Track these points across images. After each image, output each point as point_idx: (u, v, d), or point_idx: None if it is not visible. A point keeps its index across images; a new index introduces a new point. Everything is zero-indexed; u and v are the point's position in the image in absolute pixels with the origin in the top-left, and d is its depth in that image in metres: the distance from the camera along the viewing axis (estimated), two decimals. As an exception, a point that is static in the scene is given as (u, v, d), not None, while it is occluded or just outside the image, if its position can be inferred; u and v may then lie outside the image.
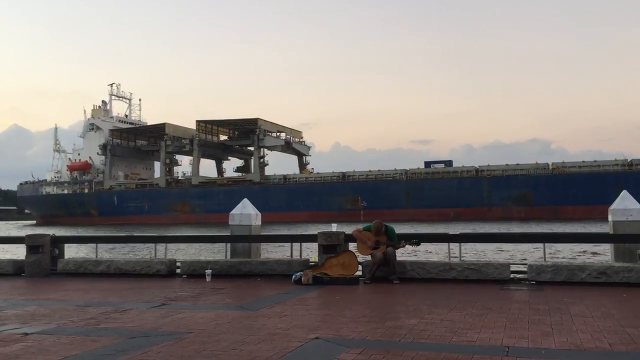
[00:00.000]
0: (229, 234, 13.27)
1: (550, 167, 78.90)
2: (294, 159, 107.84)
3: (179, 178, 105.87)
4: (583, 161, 78.53)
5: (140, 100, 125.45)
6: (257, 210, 13.20)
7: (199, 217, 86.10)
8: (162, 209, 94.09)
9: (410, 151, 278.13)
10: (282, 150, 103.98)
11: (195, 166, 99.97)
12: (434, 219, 72.77)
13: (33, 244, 13.41)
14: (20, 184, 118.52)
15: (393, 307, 8.24)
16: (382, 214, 75.57)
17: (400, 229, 12.16)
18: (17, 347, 5.65)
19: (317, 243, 11.71)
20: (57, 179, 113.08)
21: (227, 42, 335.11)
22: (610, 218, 11.11)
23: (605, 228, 12.11)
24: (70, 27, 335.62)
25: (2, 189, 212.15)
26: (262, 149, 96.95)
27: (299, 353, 5.24)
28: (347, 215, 73.15)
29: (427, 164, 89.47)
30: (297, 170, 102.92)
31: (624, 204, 10.94)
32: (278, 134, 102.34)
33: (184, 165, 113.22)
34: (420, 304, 7.97)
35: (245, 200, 13.42)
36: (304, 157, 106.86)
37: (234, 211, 13.08)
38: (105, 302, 8.85)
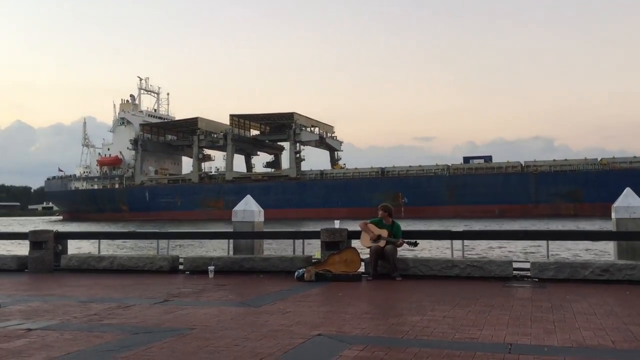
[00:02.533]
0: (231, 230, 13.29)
1: (599, 162, 76.55)
2: (324, 154, 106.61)
3: (212, 173, 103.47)
4: (634, 157, 76.46)
5: (168, 94, 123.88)
6: (259, 207, 13.20)
7: None
8: (194, 204, 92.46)
9: (412, 148, 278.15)
10: (315, 145, 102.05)
11: (229, 161, 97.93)
12: (478, 215, 70.11)
13: (36, 240, 13.44)
14: (48, 179, 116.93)
15: (396, 304, 8.24)
16: (424, 210, 74.43)
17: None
18: (20, 342, 5.67)
19: (319, 240, 11.72)
20: (86, 174, 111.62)
21: (224, 40, 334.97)
22: (613, 215, 11.07)
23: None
24: (72, 23, 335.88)
25: (6, 184, 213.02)
26: (297, 144, 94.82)
27: (301, 349, 5.25)
28: None
29: (466, 159, 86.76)
30: (328, 166, 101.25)
31: (627, 201, 10.89)
32: (312, 128, 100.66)
33: (216, 160, 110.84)
34: (423, 301, 7.96)
35: (248, 196, 13.43)
36: (335, 152, 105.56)
37: (236, 208, 13.10)
38: (108, 298, 8.87)
